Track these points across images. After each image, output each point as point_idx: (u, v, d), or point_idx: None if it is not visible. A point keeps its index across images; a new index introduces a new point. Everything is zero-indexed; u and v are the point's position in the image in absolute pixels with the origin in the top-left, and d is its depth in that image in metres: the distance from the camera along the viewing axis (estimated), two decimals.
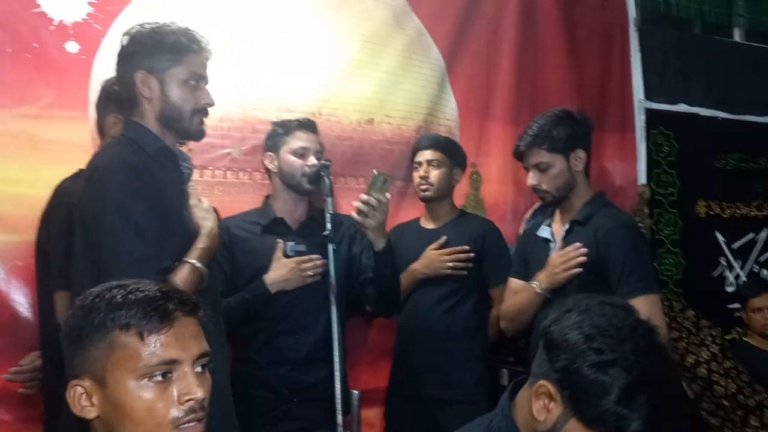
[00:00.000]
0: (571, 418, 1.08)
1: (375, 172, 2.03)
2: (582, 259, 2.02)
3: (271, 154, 2.25)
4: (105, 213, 1.50)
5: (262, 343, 2.14)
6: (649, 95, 3.47)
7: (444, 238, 2.44)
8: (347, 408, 1.87)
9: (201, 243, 1.62)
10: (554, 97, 3.09)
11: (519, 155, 2.18)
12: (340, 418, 1.82)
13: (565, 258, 2.04)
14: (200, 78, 1.67)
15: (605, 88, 3.37)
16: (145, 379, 0.99)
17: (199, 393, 1.00)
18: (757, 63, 3.75)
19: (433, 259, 2.43)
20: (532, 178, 2.14)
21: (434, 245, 2.43)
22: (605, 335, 1.08)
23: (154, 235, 1.51)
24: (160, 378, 0.99)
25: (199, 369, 1.03)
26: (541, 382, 1.11)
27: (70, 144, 2.17)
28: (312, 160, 2.18)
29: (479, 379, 2.44)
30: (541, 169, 2.12)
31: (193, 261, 1.57)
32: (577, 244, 2.05)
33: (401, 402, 2.46)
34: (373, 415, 2.54)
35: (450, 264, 2.40)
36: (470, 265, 2.41)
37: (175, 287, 1.15)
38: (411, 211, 2.73)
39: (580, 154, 2.12)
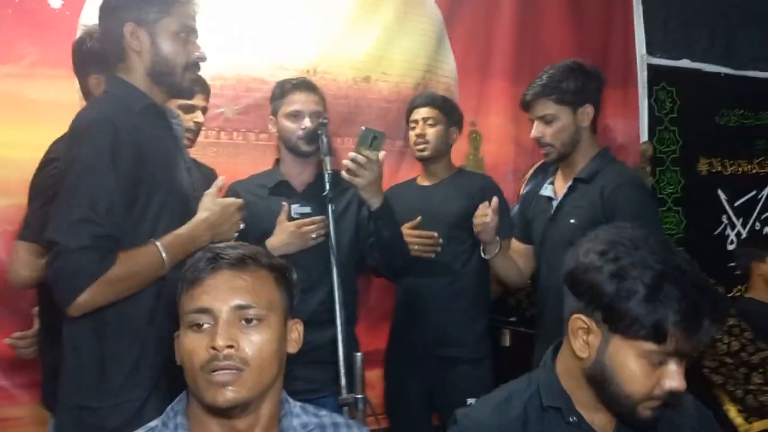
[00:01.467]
0: (611, 339, 1.08)
1: (363, 128, 1.95)
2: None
3: (272, 117, 2.22)
4: (67, 170, 1.44)
5: None
6: (652, 51, 3.40)
7: (419, 218, 2.39)
8: (351, 370, 1.84)
9: (181, 229, 1.53)
10: (555, 53, 3.01)
11: (525, 105, 2.12)
12: (343, 381, 1.79)
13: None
14: (191, 30, 1.60)
15: (607, 43, 3.31)
16: (186, 327, 1.10)
17: (220, 341, 1.05)
18: (760, 18, 3.67)
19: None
20: (536, 130, 2.09)
21: (408, 224, 2.37)
22: (617, 246, 1.08)
23: (111, 201, 1.42)
24: (195, 327, 1.08)
25: (240, 321, 1.08)
26: (573, 317, 1.12)
27: (56, 104, 2.10)
28: (306, 122, 2.12)
29: (481, 337, 2.42)
30: (547, 120, 2.06)
31: (158, 243, 1.48)
32: (496, 207, 2.13)
33: (401, 361, 2.45)
34: (374, 376, 2.52)
35: (416, 246, 2.33)
36: (438, 249, 2.35)
37: (230, 243, 1.20)
38: (410, 172, 2.68)
39: (588, 109, 2.07)
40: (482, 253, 2.23)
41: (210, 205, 1.60)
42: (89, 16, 2.13)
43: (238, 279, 1.10)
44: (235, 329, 1.07)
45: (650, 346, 1.05)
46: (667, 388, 1.06)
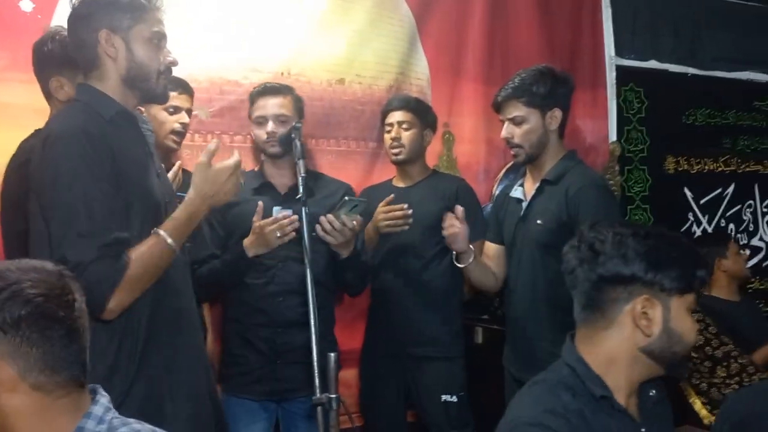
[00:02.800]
0: (671, 304, 1.22)
1: (346, 198, 2.07)
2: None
3: (251, 123, 2.31)
4: (55, 185, 1.44)
5: (248, 305, 2.18)
6: (620, 52, 3.46)
7: (391, 195, 2.42)
8: (325, 370, 1.87)
9: (177, 212, 1.56)
10: (526, 55, 3.06)
11: (497, 106, 2.19)
12: (317, 381, 1.81)
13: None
14: (162, 36, 1.61)
15: (576, 45, 3.35)
16: None
17: None
18: (724, 19, 3.76)
19: (375, 217, 2.39)
20: (505, 131, 2.15)
21: (383, 202, 2.40)
22: (626, 229, 1.24)
23: (106, 207, 1.45)
24: None
25: None
26: (635, 302, 1.21)
27: (29, 108, 2.08)
28: (270, 126, 2.20)
29: (455, 336, 2.47)
30: (516, 122, 2.12)
31: (161, 231, 1.51)
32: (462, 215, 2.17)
33: (376, 360, 2.48)
34: (351, 375, 2.56)
35: (386, 223, 2.35)
36: (410, 221, 2.36)
37: None
38: (384, 173, 2.71)
39: (557, 113, 2.12)
40: (455, 262, 2.24)
41: (198, 177, 1.59)
42: (61, 20, 2.12)
43: None
44: None
45: (693, 295, 1.25)
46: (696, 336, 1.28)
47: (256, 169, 2.38)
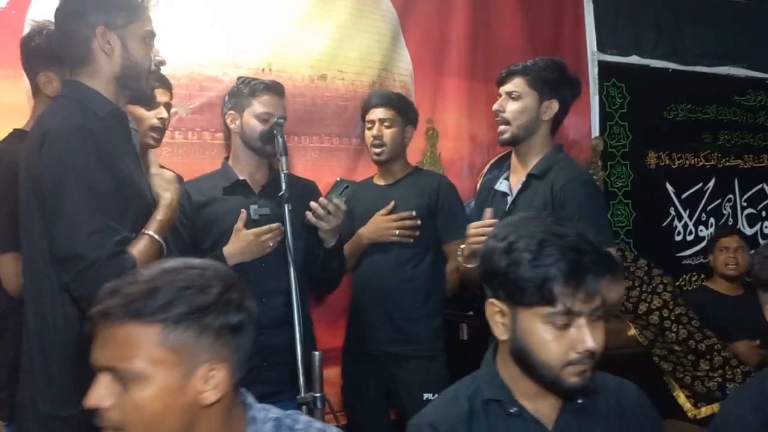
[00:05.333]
0: (517, 313, 1.15)
1: (338, 179, 2.06)
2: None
3: (233, 113, 2.18)
4: (62, 181, 1.42)
5: None
6: (602, 47, 3.47)
7: (392, 203, 2.41)
8: (309, 369, 1.85)
9: (159, 214, 1.57)
10: (508, 50, 3.07)
11: (500, 79, 2.18)
12: (302, 380, 1.80)
13: (482, 231, 2.01)
14: (152, 35, 1.60)
15: (559, 41, 3.36)
16: None
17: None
18: (706, 14, 3.78)
19: (379, 224, 2.41)
20: (499, 103, 2.15)
21: (383, 210, 2.40)
22: (507, 228, 1.18)
23: (112, 203, 1.45)
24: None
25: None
26: (486, 302, 1.18)
27: (3, 105, 2.04)
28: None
29: (436, 334, 2.46)
30: (513, 97, 2.12)
31: (152, 233, 1.52)
32: (495, 221, 1.99)
33: (357, 359, 2.47)
34: (334, 374, 2.54)
35: (397, 231, 2.37)
36: (416, 233, 2.39)
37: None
38: (367, 170, 2.69)
39: (554, 104, 2.12)
40: (467, 264, 2.16)
41: (166, 185, 1.63)
42: (36, 15, 2.07)
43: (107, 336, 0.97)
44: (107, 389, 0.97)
45: (546, 309, 1.11)
46: (580, 350, 1.12)
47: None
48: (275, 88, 2.18)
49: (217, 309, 0.98)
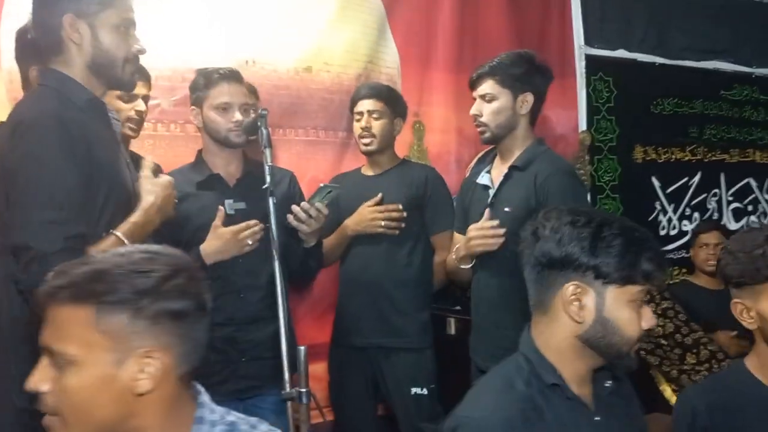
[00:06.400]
0: (606, 293, 1.19)
1: (321, 184, 2.05)
2: (500, 240, 2.01)
3: (195, 108, 2.13)
4: (25, 172, 1.40)
5: None
6: (589, 41, 3.46)
7: (380, 195, 2.39)
8: (294, 364, 1.83)
9: (135, 217, 1.53)
10: (495, 44, 3.04)
11: (472, 83, 2.19)
12: (287, 375, 1.77)
13: (482, 233, 2.04)
14: (130, 23, 1.57)
15: (545, 34, 3.35)
16: None
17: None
18: (693, 8, 3.79)
19: (364, 215, 2.38)
20: (475, 107, 2.15)
21: (370, 202, 2.38)
22: (580, 215, 1.22)
23: (75, 197, 1.41)
24: None
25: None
26: (564, 287, 1.20)
27: None
28: (237, 115, 2.07)
29: (424, 327, 2.44)
30: (487, 100, 2.13)
31: (119, 234, 1.47)
32: (495, 223, 2.04)
33: (344, 352, 2.45)
34: (321, 369, 2.51)
35: (382, 222, 2.35)
36: (402, 225, 2.37)
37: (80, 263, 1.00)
38: (353, 162, 2.66)
39: (528, 97, 2.11)
40: (462, 266, 2.18)
41: (151, 188, 1.59)
42: (9, 10, 2.04)
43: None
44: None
45: (637, 287, 1.19)
46: (646, 327, 1.21)
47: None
48: (232, 76, 2.10)
49: (156, 293, 0.93)
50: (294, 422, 1.80)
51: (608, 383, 1.27)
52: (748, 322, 1.44)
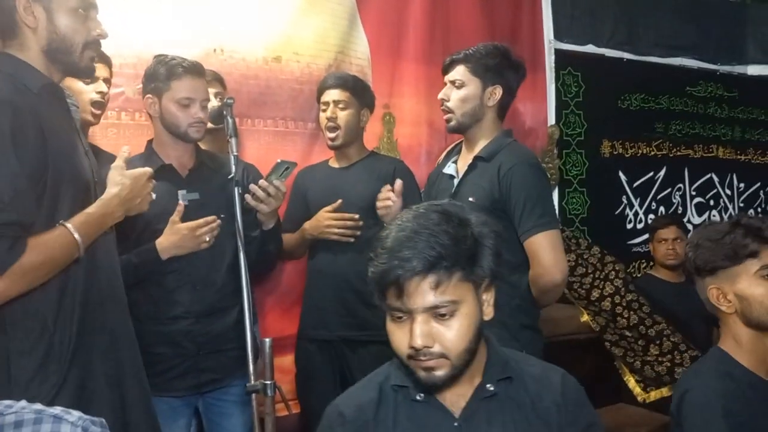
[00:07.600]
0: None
1: (279, 160, 2.01)
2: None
3: (151, 97, 2.04)
4: None
5: (159, 299, 2.00)
6: (559, 36, 3.49)
7: (339, 201, 2.36)
8: (257, 354, 1.81)
9: (91, 208, 1.48)
10: (466, 36, 3.04)
11: (445, 68, 2.19)
12: (251, 368, 1.75)
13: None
14: (90, 6, 1.51)
15: (517, 29, 3.36)
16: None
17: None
18: (661, 5, 3.84)
19: (321, 222, 2.36)
20: (443, 92, 2.16)
21: (328, 207, 2.36)
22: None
23: (17, 186, 1.35)
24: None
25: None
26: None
27: None
28: (198, 111, 2.02)
29: None
30: (456, 86, 2.13)
31: (69, 225, 1.42)
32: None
33: (311, 345, 2.42)
34: (288, 362, 2.50)
35: (336, 230, 2.33)
36: (358, 233, 2.35)
37: None
38: (323, 155, 2.64)
39: (497, 90, 2.12)
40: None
41: (119, 179, 1.56)
42: None
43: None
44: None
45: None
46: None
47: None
48: (195, 70, 2.04)
49: None
50: (259, 415, 1.78)
51: (491, 388, 1.22)
52: (726, 306, 1.48)
